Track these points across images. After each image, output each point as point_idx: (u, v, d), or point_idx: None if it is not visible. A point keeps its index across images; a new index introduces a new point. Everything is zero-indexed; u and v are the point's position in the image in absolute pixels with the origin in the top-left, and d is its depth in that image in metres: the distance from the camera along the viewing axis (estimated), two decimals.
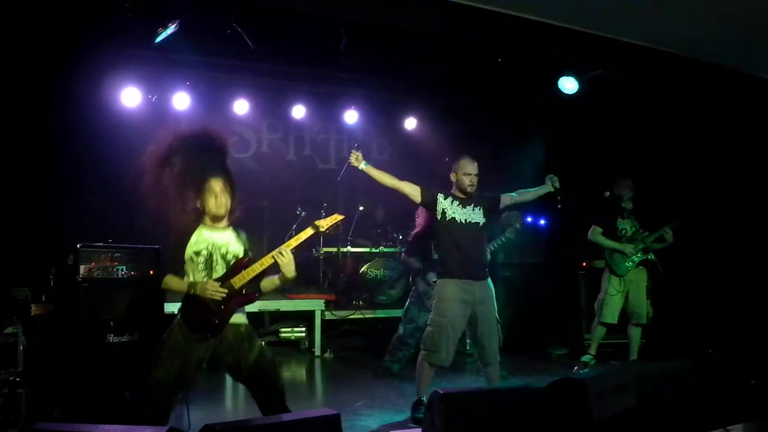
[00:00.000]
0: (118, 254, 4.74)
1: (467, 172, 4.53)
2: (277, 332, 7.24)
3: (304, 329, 7.23)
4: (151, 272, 4.78)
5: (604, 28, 5.51)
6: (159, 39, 5.46)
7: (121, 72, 6.64)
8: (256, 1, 5.19)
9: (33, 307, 4.65)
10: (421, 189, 4.52)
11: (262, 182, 7.86)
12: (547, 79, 6.50)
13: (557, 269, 7.28)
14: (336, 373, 6.38)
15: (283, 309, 6.95)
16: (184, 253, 3.34)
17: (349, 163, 4.41)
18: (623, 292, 5.93)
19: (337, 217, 3.53)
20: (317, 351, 6.84)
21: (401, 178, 4.53)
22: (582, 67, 6.37)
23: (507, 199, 4.71)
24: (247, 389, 3.47)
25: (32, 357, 4.13)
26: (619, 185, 6.04)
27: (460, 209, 4.52)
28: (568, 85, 6.39)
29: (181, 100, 7.02)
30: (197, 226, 3.42)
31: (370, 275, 7.39)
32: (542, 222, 7.58)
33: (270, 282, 3.44)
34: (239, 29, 5.48)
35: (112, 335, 4.52)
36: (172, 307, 4.46)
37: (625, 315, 6.00)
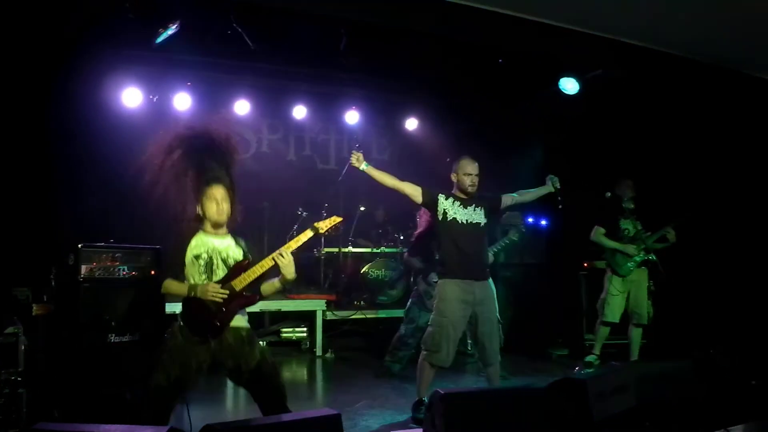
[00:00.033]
0: (119, 254, 4.74)
1: (468, 172, 4.53)
2: (278, 332, 7.24)
3: (305, 329, 7.23)
4: (152, 272, 4.78)
5: (604, 28, 5.52)
6: (160, 39, 5.47)
7: (122, 72, 6.64)
8: (257, 1, 5.20)
9: (34, 307, 4.66)
10: (422, 189, 4.52)
11: (263, 183, 7.86)
12: (547, 79, 6.50)
13: (558, 269, 7.28)
14: (337, 373, 6.38)
15: (284, 309, 6.95)
16: (184, 257, 3.34)
17: (350, 163, 4.41)
18: (625, 292, 5.93)
19: (335, 219, 3.54)
20: (318, 351, 6.84)
21: (402, 178, 4.53)
22: (582, 68, 6.37)
23: (508, 199, 4.72)
24: (248, 392, 3.47)
25: (33, 357, 4.13)
26: (620, 185, 6.04)
27: (461, 210, 4.52)
28: (569, 85, 6.39)
29: (182, 101, 7.03)
30: (197, 231, 3.42)
31: (371, 275, 7.39)
32: (543, 222, 7.58)
33: (270, 285, 3.43)
34: (239, 29, 5.48)
35: (113, 335, 4.52)
36: (173, 307, 4.47)
37: (626, 315, 6.00)
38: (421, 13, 5.14)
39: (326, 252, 7.72)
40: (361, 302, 7.35)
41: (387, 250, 7.73)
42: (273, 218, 7.63)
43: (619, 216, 6.02)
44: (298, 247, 3.38)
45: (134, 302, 4.64)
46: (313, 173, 8.72)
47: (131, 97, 6.81)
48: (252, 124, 8.21)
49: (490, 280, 4.60)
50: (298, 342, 7.21)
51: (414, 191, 4.51)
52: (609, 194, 6.02)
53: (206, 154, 3.45)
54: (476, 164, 4.57)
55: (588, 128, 7.09)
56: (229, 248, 3.43)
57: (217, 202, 3.39)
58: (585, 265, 7.04)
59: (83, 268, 4.53)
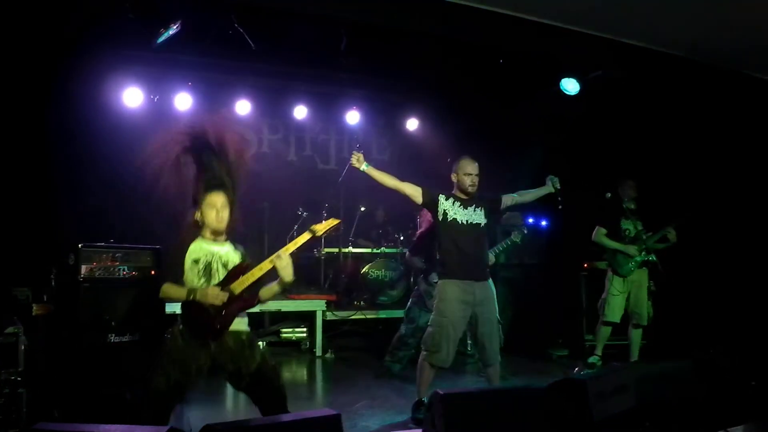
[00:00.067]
0: (119, 254, 4.75)
1: (468, 172, 4.53)
2: (278, 333, 7.24)
3: (305, 330, 7.23)
4: (152, 272, 4.79)
5: (604, 28, 5.52)
6: (160, 40, 5.47)
7: (123, 72, 6.65)
8: (257, 2, 5.20)
9: (34, 307, 4.66)
10: (423, 190, 4.52)
11: (263, 183, 7.87)
12: (547, 80, 6.50)
13: (558, 270, 7.28)
14: (337, 373, 6.38)
15: (284, 309, 6.95)
16: (183, 262, 3.33)
17: (351, 164, 4.42)
18: (626, 292, 5.93)
19: (332, 222, 3.53)
20: (318, 351, 6.84)
21: (402, 178, 4.53)
22: (582, 68, 6.37)
23: (508, 199, 4.72)
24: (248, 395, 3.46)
25: (33, 357, 4.13)
26: (623, 186, 6.04)
27: (461, 210, 4.52)
28: (570, 86, 6.39)
29: (183, 101, 7.03)
30: (195, 237, 3.42)
31: (371, 276, 7.39)
32: (543, 223, 7.58)
33: (269, 290, 3.42)
34: (240, 30, 5.49)
35: (112, 335, 4.53)
36: (173, 307, 4.48)
37: (627, 316, 6.00)
38: (422, 14, 5.14)
39: (326, 252, 7.72)
40: (361, 302, 7.35)
41: (387, 250, 7.73)
42: (273, 218, 7.64)
43: (620, 216, 6.02)
44: (296, 249, 3.37)
45: (134, 302, 4.65)
46: (314, 173, 8.72)
47: (132, 97, 6.81)
48: (252, 124, 8.21)
49: (490, 280, 4.60)
50: (297, 342, 7.21)
51: (414, 192, 4.51)
52: (609, 195, 6.02)
53: (208, 158, 3.44)
54: (476, 164, 4.57)
55: (588, 128, 7.09)
56: (228, 253, 3.42)
57: (217, 209, 3.38)
58: (585, 265, 7.03)
59: (83, 268, 4.54)
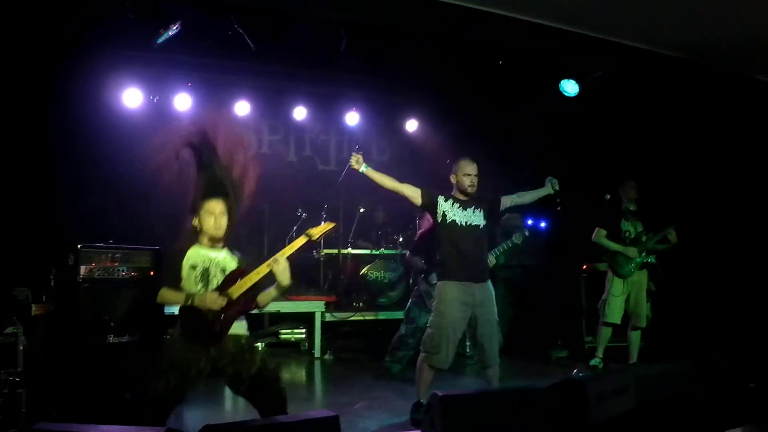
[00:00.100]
0: (119, 255, 4.75)
1: (467, 172, 4.53)
2: (277, 334, 7.23)
3: (304, 331, 7.22)
4: (151, 273, 4.78)
5: (604, 30, 5.52)
6: (160, 40, 5.47)
7: (122, 73, 6.65)
8: (257, 2, 5.20)
9: (33, 307, 4.66)
10: (422, 191, 4.52)
11: (263, 183, 7.85)
12: (547, 80, 6.50)
13: (557, 271, 7.28)
14: (336, 374, 6.37)
15: (283, 310, 6.94)
16: (180, 269, 3.32)
17: (350, 165, 4.42)
18: (626, 293, 5.93)
19: (328, 225, 3.53)
20: (317, 353, 6.83)
21: (401, 179, 4.53)
22: (582, 69, 6.38)
23: (507, 200, 4.72)
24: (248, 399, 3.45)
25: (32, 357, 4.13)
26: (624, 187, 6.04)
27: (460, 211, 4.52)
28: (569, 87, 6.39)
29: (183, 101, 7.03)
30: (193, 244, 3.41)
31: (370, 277, 7.39)
32: (543, 224, 7.58)
33: (267, 295, 3.42)
34: (240, 30, 5.49)
35: (112, 336, 4.53)
36: (173, 308, 4.47)
37: (626, 317, 6.00)
38: (422, 14, 5.14)
39: (326, 253, 7.71)
40: (360, 304, 7.34)
41: (387, 251, 7.73)
42: (273, 219, 7.64)
43: (620, 218, 6.02)
44: (293, 253, 3.37)
45: (133, 303, 4.65)
46: (314, 174, 8.72)
47: (132, 97, 6.81)
48: (252, 124, 8.21)
49: (489, 281, 4.60)
50: (296, 343, 7.20)
51: (413, 193, 4.51)
52: (608, 196, 6.03)
53: (209, 162, 3.44)
54: (475, 165, 4.57)
55: (588, 129, 7.09)
56: (226, 259, 3.42)
57: (216, 216, 3.38)
58: (585, 266, 7.03)
59: (83, 269, 4.54)
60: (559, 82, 6.38)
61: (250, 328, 3.48)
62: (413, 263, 5.92)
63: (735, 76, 6.21)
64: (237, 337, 3.34)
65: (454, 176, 4.60)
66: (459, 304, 4.39)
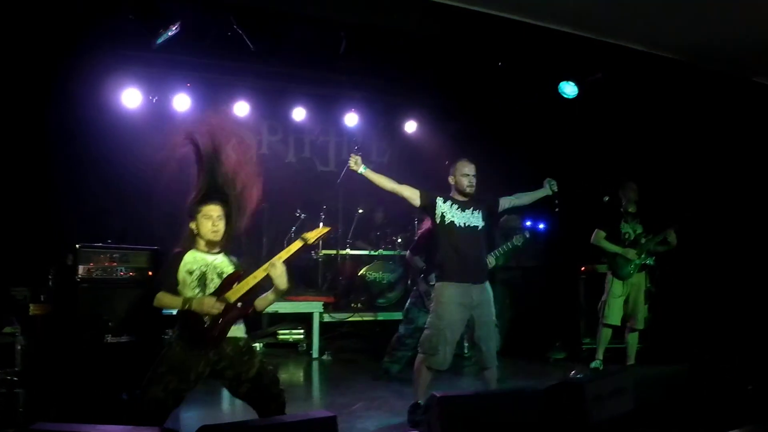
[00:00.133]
0: (117, 255, 4.75)
1: (465, 173, 4.53)
2: (276, 334, 7.24)
3: (302, 331, 7.22)
4: (150, 273, 4.78)
5: (604, 32, 5.53)
6: (160, 41, 5.47)
7: (122, 73, 6.65)
8: (256, 3, 5.21)
9: (32, 307, 4.66)
10: (421, 192, 4.51)
11: (262, 184, 7.85)
12: (546, 82, 6.51)
13: (556, 273, 7.28)
14: (334, 375, 6.37)
15: (281, 311, 6.94)
16: (177, 273, 3.31)
17: (349, 166, 4.42)
18: (625, 295, 5.93)
19: (324, 230, 3.53)
20: (315, 353, 6.83)
21: (400, 181, 4.53)
22: (582, 71, 6.39)
23: (505, 202, 4.71)
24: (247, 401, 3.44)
25: (30, 357, 4.14)
26: (624, 188, 6.04)
27: (459, 213, 4.52)
28: (568, 89, 6.40)
29: (182, 102, 7.03)
30: (190, 248, 3.40)
31: (369, 278, 7.39)
32: (541, 226, 7.59)
33: (264, 300, 3.42)
34: (240, 31, 5.49)
35: (110, 335, 4.52)
36: (172, 309, 4.46)
37: (625, 319, 6.00)
38: (421, 16, 5.15)
39: (324, 254, 7.72)
40: (359, 304, 7.34)
41: (385, 252, 7.73)
42: (272, 220, 7.63)
43: (621, 219, 6.02)
44: (289, 257, 3.36)
45: (132, 303, 4.65)
46: (313, 175, 8.72)
47: (131, 97, 6.81)
48: (251, 125, 8.20)
49: (488, 283, 4.60)
50: (295, 344, 7.20)
51: (412, 194, 4.51)
52: (607, 198, 6.03)
53: (209, 164, 3.44)
54: (473, 165, 4.56)
55: (587, 131, 7.10)
56: (223, 263, 3.42)
57: (213, 221, 3.38)
58: (583, 268, 7.04)
59: (81, 269, 4.55)
60: (558, 84, 6.39)
61: (248, 329, 3.47)
62: (413, 263, 5.92)
63: (735, 78, 6.22)
64: (235, 340, 3.34)
65: (452, 177, 4.60)
66: (457, 306, 4.39)
